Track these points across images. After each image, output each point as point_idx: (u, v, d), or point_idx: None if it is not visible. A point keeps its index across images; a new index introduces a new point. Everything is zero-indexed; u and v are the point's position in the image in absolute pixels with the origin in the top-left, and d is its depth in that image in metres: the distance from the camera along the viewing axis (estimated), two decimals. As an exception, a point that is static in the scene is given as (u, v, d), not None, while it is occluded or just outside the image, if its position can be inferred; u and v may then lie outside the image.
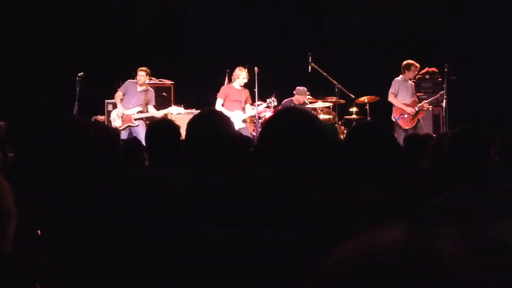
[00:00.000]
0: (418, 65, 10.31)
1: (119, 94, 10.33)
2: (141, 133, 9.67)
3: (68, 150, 2.30)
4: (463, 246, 0.89)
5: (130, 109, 10.16)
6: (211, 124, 2.51)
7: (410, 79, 10.29)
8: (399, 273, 0.80)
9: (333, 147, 2.06)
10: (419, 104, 10.20)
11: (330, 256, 0.87)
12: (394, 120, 10.18)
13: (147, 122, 10.18)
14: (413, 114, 10.08)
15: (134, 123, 10.05)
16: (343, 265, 0.84)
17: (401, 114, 10.12)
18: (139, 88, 10.30)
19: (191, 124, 2.56)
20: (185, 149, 2.53)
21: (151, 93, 10.39)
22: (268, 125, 2.00)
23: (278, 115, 2.05)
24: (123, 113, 10.07)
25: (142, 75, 10.28)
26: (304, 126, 1.89)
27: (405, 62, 10.18)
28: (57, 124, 2.40)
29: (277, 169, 1.84)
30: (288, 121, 1.93)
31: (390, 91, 10.23)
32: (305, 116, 1.98)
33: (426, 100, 10.44)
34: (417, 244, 0.86)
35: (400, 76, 10.23)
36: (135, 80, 10.33)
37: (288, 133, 1.87)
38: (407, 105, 10.14)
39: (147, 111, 10.17)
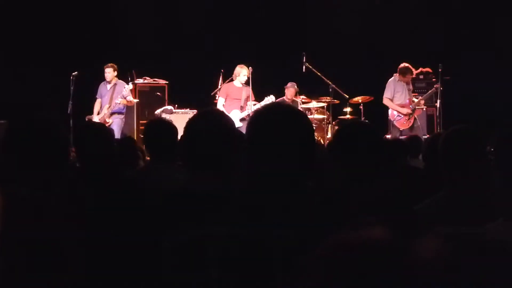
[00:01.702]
0: (414, 71, 10.30)
1: (98, 102, 10.34)
2: (115, 130, 9.63)
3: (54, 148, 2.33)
4: (445, 246, 0.89)
5: (102, 111, 10.17)
6: (211, 124, 2.50)
7: (404, 81, 10.24)
8: (377, 268, 0.81)
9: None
10: (415, 102, 10.18)
11: (318, 248, 0.88)
12: (390, 120, 10.18)
13: (123, 118, 10.26)
14: (409, 114, 10.05)
15: (108, 121, 9.96)
16: (327, 258, 0.85)
17: (398, 115, 10.11)
18: (108, 86, 10.29)
19: (190, 123, 2.55)
20: (183, 148, 2.51)
21: (120, 86, 10.29)
22: (253, 123, 1.93)
23: (262, 112, 1.96)
24: (91, 120, 10.01)
25: (108, 71, 10.23)
26: (291, 123, 1.85)
27: (402, 65, 10.08)
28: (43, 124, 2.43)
29: (263, 169, 1.82)
30: (272, 119, 1.87)
31: (385, 95, 10.16)
32: (292, 113, 1.92)
33: (421, 97, 10.44)
34: (396, 244, 0.87)
35: (394, 75, 10.21)
36: (104, 81, 10.33)
37: (274, 131, 1.83)
38: (402, 105, 10.12)
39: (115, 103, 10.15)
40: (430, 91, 10.53)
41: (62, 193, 2.40)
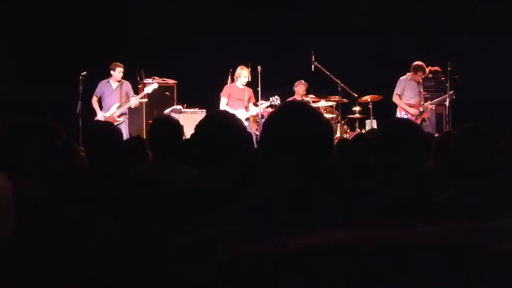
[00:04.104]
0: (427, 70, 10.25)
1: (95, 99, 10.22)
2: (123, 129, 9.63)
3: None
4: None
5: (110, 109, 10.13)
6: (222, 121, 2.52)
7: (416, 81, 10.20)
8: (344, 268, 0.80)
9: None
10: (424, 105, 10.13)
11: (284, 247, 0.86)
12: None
13: (127, 117, 10.25)
14: (416, 115, 10.01)
15: (119, 120, 9.93)
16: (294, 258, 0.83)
17: (405, 114, 10.07)
18: (114, 85, 10.21)
19: (201, 122, 2.57)
20: (194, 145, 2.53)
21: (127, 85, 10.29)
22: (268, 123, 1.89)
23: (279, 112, 1.92)
24: (105, 117, 9.94)
25: (121, 71, 10.16)
26: (307, 123, 1.82)
27: (415, 63, 10.05)
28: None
29: (280, 169, 1.80)
30: (290, 118, 1.83)
31: (395, 91, 10.16)
32: (308, 112, 1.88)
33: (432, 101, 10.37)
34: (358, 244, 0.85)
35: (407, 74, 10.17)
36: (107, 80, 10.24)
37: (291, 131, 1.79)
38: (412, 105, 10.07)
39: (126, 103, 10.12)
40: (442, 97, 10.45)
41: (70, 192, 2.40)
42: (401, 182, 2.37)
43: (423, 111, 10.09)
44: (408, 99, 10.11)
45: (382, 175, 2.45)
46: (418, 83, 10.21)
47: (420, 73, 10.05)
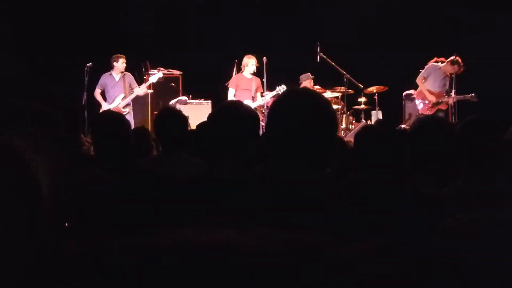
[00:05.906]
0: (462, 68, 10.02)
1: (98, 92, 10.21)
2: (130, 120, 9.66)
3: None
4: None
5: (115, 101, 10.13)
6: (236, 111, 2.56)
7: (446, 72, 10.09)
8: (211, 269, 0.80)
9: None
10: (445, 97, 9.98)
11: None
12: (415, 103, 10.12)
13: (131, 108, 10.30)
14: (433, 102, 9.91)
15: (124, 111, 9.88)
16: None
17: (422, 99, 10.00)
18: (117, 77, 10.21)
19: (215, 112, 2.61)
20: (206, 135, 2.57)
21: (129, 76, 10.32)
22: (273, 111, 1.87)
23: (282, 100, 1.89)
24: (110, 109, 9.85)
25: (124, 62, 10.19)
26: (313, 111, 1.79)
27: (455, 57, 9.91)
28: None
29: (284, 160, 1.80)
30: (295, 107, 1.81)
31: (421, 74, 10.05)
32: (314, 99, 1.84)
33: (456, 96, 10.13)
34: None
35: (439, 63, 10.06)
36: (109, 72, 10.24)
37: (296, 119, 1.77)
38: (432, 93, 9.96)
39: (130, 94, 10.15)
40: (465, 96, 10.22)
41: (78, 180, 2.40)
42: (429, 178, 2.41)
43: (441, 102, 9.97)
44: (431, 86, 9.94)
45: (414, 170, 2.49)
46: (446, 75, 10.06)
47: (456, 67, 9.87)
